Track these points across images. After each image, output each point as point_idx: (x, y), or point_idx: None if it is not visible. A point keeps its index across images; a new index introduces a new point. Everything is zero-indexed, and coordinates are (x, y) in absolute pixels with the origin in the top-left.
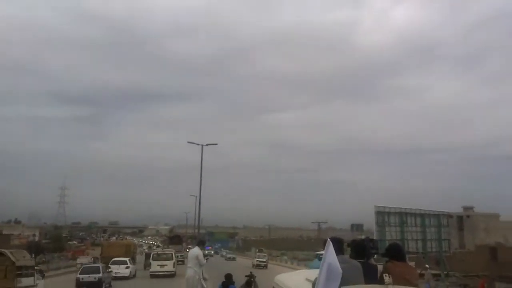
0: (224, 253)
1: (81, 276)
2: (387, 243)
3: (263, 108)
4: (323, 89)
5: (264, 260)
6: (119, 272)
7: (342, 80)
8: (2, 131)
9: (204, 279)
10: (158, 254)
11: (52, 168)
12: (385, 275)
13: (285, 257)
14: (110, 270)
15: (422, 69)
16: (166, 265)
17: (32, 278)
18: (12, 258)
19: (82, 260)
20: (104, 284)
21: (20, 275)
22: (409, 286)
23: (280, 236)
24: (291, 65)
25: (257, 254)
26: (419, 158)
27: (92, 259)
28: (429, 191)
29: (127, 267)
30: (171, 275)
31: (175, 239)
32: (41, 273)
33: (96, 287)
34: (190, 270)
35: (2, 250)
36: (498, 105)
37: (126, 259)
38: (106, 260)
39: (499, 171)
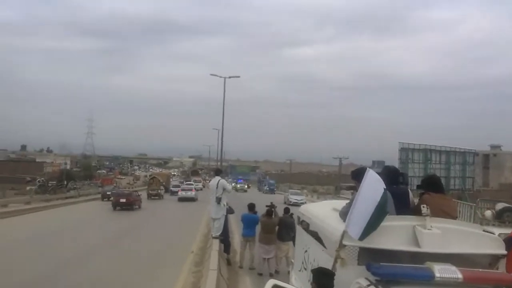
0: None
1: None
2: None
3: (285, 42)
4: (348, 22)
5: None
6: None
7: (369, 13)
8: (28, 63)
9: (229, 210)
10: (195, 181)
11: (78, 100)
12: (423, 206)
13: (304, 191)
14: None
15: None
16: (198, 184)
17: (163, 188)
18: (158, 178)
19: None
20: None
21: (160, 186)
22: (447, 218)
23: (301, 170)
24: None
25: None
26: (445, 95)
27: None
28: (456, 129)
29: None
30: (200, 189)
31: (195, 172)
32: (165, 187)
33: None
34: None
35: (156, 175)
36: None
37: (193, 182)
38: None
39: None
